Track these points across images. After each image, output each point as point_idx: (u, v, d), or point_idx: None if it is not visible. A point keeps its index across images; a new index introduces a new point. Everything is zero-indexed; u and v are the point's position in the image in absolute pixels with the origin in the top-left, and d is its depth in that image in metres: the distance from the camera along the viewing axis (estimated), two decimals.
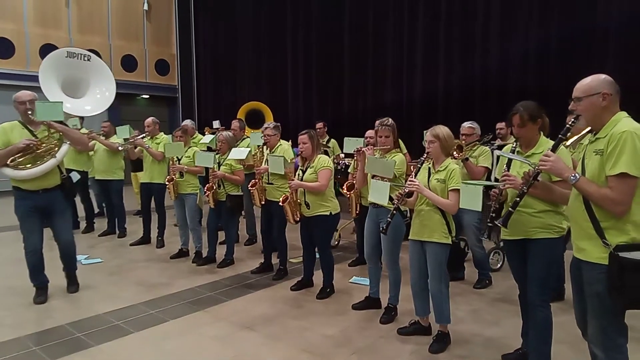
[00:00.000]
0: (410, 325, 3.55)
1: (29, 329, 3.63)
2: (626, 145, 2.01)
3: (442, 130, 3.26)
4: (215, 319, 3.89)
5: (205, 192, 5.26)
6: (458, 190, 3.07)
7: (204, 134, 7.65)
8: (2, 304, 4.17)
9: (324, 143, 7.01)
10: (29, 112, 4.00)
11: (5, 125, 4.03)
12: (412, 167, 4.00)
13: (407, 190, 3.22)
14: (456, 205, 3.09)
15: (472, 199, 2.79)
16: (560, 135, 2.38)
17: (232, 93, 12.79)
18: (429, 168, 3.30)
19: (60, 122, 4.27)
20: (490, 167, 4.52)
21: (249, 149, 5.22)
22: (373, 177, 3.70)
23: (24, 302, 4.20)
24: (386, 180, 3.46)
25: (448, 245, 3.24)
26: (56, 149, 4.10)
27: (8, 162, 3.93)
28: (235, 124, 6.41)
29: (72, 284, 4.50)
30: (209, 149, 6.46)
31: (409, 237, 3.39)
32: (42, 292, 4.23)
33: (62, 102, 4.33)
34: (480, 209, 2.79)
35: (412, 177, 3.24)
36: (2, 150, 3.92)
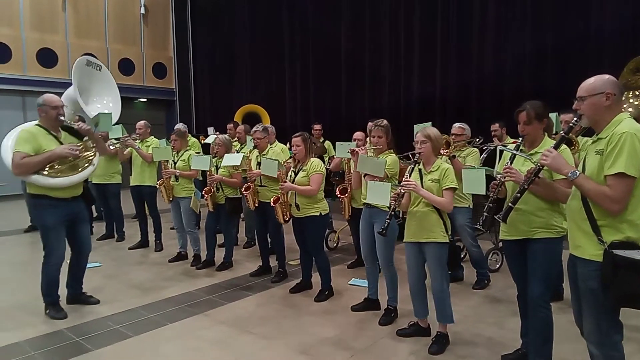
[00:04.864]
0: (410, 327, 3.55)
1: (28, 334, 3.62)
2: (625, 145, 2.04)
3: (433, 130, 3.32)
4: (214, 322, 3.88)
5: (203, 196, 5.25)
6: (453, 189, 3.17)
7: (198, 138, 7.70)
8: (1, 309, 4.16)
9: (319, 143, 7.05)
10: (61, 118, 3.87)
11: (31, 130, 3.78)
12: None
13: (403, 191, 3.23)
14: (451, 203, 3.20)
15: (475, 183, 2.86)
16: (562, 134, 2.40)
17: (229, 96, 12.79)
18: (420, 169, 3.32)
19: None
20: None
21: (242, 154, 5.22)
22: (365, 176, 3.72)
23: (23, 307, 4.18)
24: (385, 181, 3.47)
25: (447, 244, 3.25)
26: (93, 156, 4.04)
27: (44, 170, 3.72)
28: (240, 127, 6.44)
29: (89, 297, 4.28)
30: (206, 150, 6.49)
31: (405, 240, 3.39)
32: (59, 308, 3.97)
33: (111, 114, 4.33)
34: (484, 192, 2.86)
35: (407, 177, 3.24)
36: (38, 156, 3.68)
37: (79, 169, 3.92)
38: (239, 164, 4.99)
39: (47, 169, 3.75)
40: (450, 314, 3.31)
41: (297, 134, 4.32)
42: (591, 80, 2.23)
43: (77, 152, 3.83)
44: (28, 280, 4.63)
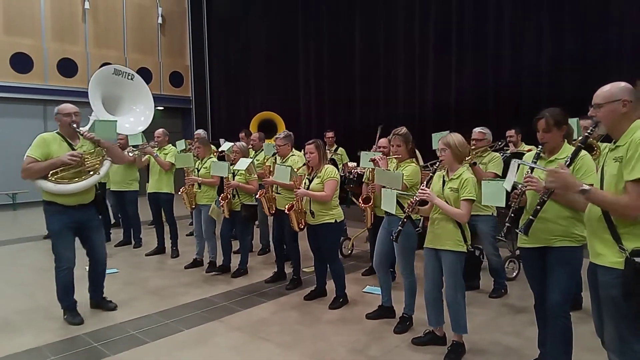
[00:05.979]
0: (425, 335, 3.53)
1: (47, 339, 3.68)
2: None
3: (454, 138, 3.25)
4: (230, 328, 3.90)
5: (220, 204, 5.29)
6: (470, 200, 3.11)
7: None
8: (21, 314, 4.24)
9: (332, 151, 7.07)
10: (74, 125, 3.92)
11: (46, 136, 3.90)
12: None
13: (417, 199, 3.22)
14: (467, 215, 3.13)
15: (495, 195, 2.81)
16: (579, 144, 2.38)
17: (245, 103, 12.90)
18: (443, 176, 3.29)
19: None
20: (500, 174, 4.48)
21: (250, 159, 5.26)
22: (382, 186, 3.73)
23: (43, 312, 4.26)
24: (394, 189, 3.48)
25: (463, 254, 3.21)
26: (99, 165, 4.04)
27: (48, 176, 3.77)
28: (255, 135, 6.51)
29: (108, 302, 4.35)
30: (222, 157, 6.56)
31: (424, 245, 3.38)
32: (75, 313, 4.02)
33: (116, 121, 4.30)
34: (504, 204, 2.81)
35: (423, 186, 3.24)
36: (43, 162, 3.78)
37: (83, 177, 3.92)
38: (244, 168, 5.02)
39: (50, 175, 3.79)
40: (463, 324, 3.27)
41: (309, 142, 4.34)
42: (607, 88, 2.21)
43: (78, 159, 3.85)
44: (47, 286, 4.69)
